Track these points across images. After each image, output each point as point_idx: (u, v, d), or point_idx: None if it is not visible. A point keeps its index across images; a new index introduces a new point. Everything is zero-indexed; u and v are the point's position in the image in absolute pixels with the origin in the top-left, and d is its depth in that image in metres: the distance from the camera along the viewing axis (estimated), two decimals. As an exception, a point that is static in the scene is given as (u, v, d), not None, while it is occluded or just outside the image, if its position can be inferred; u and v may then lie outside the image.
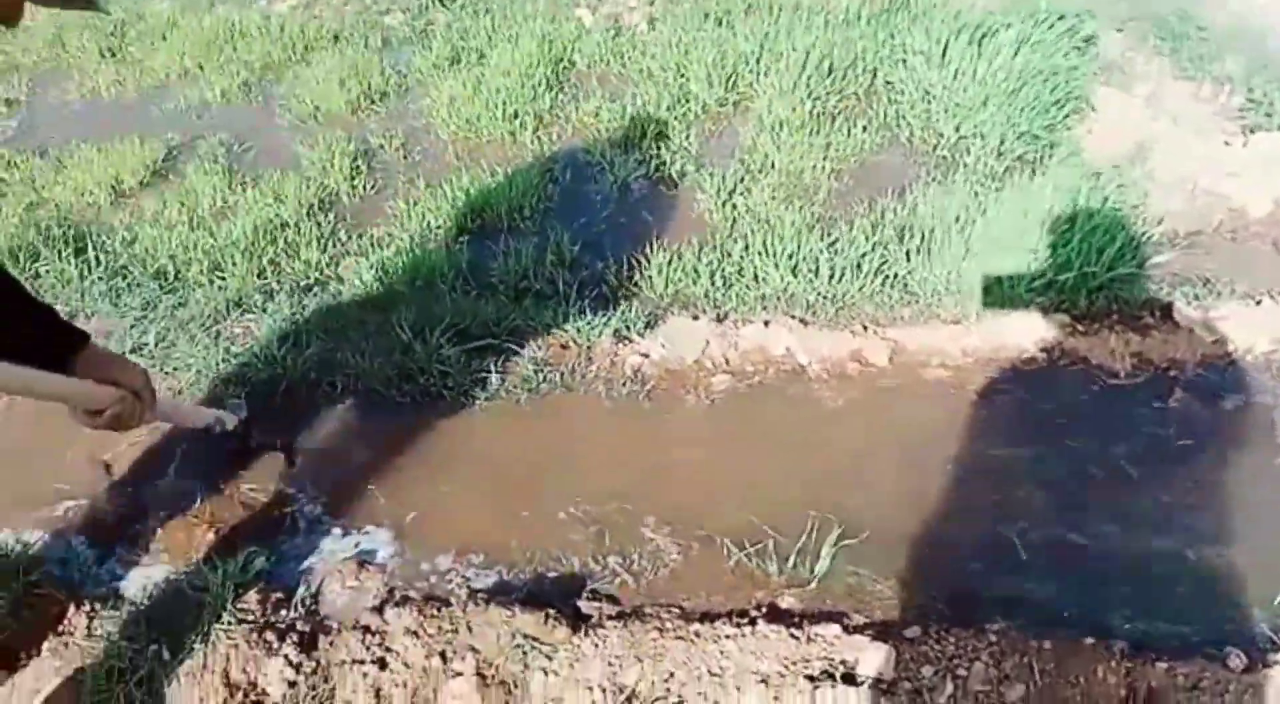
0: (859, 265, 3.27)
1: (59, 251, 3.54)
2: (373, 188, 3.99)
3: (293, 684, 2.09)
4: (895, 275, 3.23)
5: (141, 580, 2.40)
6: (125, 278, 3.43)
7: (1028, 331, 2.94)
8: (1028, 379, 2.83)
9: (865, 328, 3.03)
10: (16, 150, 4.25)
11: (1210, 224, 3.44)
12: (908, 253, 3.31)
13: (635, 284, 3.38)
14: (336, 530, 2.55)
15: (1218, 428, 2.64)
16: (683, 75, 4.46)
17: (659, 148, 4.06)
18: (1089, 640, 2.06)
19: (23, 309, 1.77)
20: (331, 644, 2.16)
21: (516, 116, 4.27)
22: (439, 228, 3.68)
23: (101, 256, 3.53)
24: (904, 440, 2.66)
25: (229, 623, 2.18)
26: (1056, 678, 1.98)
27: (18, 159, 4.17)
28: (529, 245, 3.55)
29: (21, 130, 4.45)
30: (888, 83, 4.30)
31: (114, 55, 4.93)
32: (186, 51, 4.87)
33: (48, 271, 3.47)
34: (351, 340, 3.10)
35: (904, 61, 4.34)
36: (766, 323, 3.02)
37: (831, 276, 3.23)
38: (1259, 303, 3.01)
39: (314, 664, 2.13)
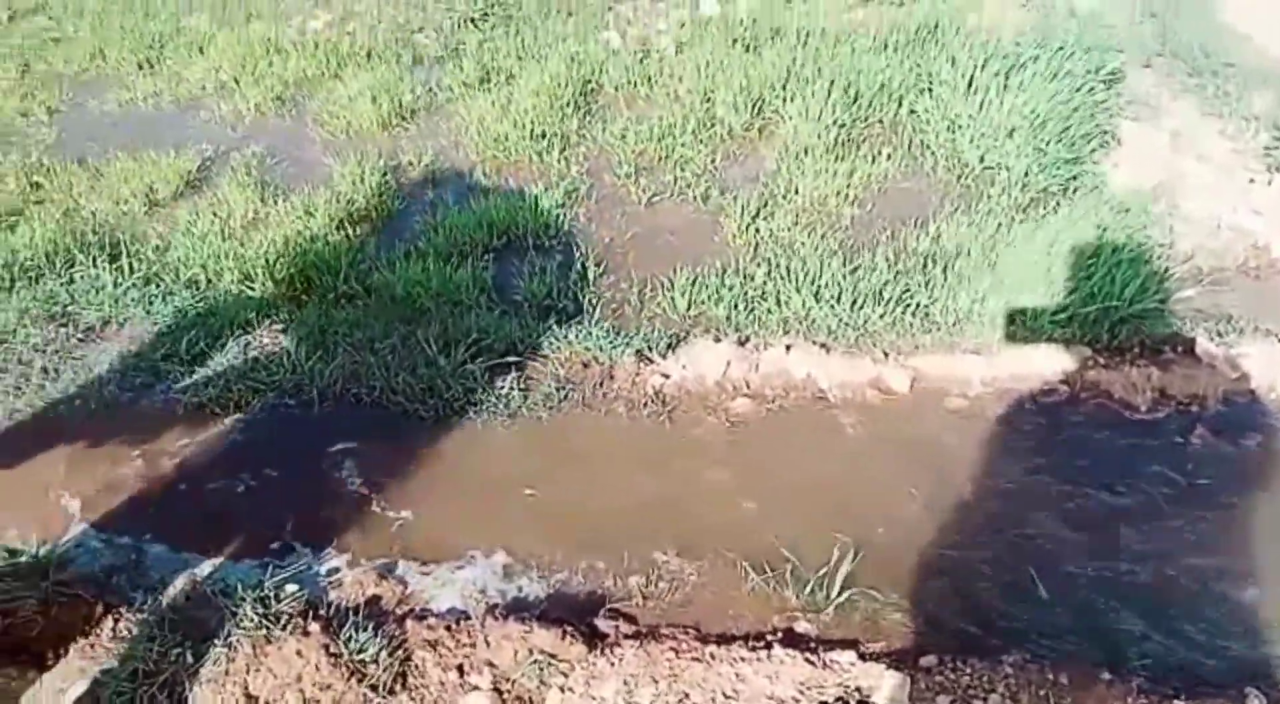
0: (881, 293, 3.28)
1: (94, 258, 3.61)
2: (401, 203, 4.04)
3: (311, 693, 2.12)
4: (917, 304, 3.25)
5: (167, 584, 2.44)
6: (158, 286, 3.49)
7: (1049, 363, 2.95)
8: (1048, 411, 2.84)
9: (886, 355, 3.04)
10: (56, 158, 4.34)
11: (1234, 261, 3.44)
12: (930, 282, 3.33)
13: (658, 304, 3.41)
14: (356, 541, 2.58)
15: (1239, 465, 2.64)
16: (709, 99, 4.51)
17: (684, 170, 4.11)
18: (1105, 675, 2.06)
19: None
20: (353, 654, 2.18)
21: (544, 137, 4.33)
22: (466, 244, 3.73)
23: (135, 264, 3.59)
24: (923, 468, 2.67)
25: (250, 630, 2.21)
26: (1072, 712, 1.98)
27: (56, 167, 4.25)
28: (553, 263, 3.60)
29: (61, 139, 4.54)
30: (913, 112, 4.34)
31: (152, 67, 5.03)
32: (223, 65, 4.97)
33: (82, 277, 3.54)
34: (378, 353, 3.14)
35: (930, 91, 4.37)
36: (788, 347, 3.04)
37: (853, 303, 3.25)
38: (1282, 341, 3.01)
39: (335, 671, 2.15)
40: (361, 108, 4.59)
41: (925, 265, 3.42)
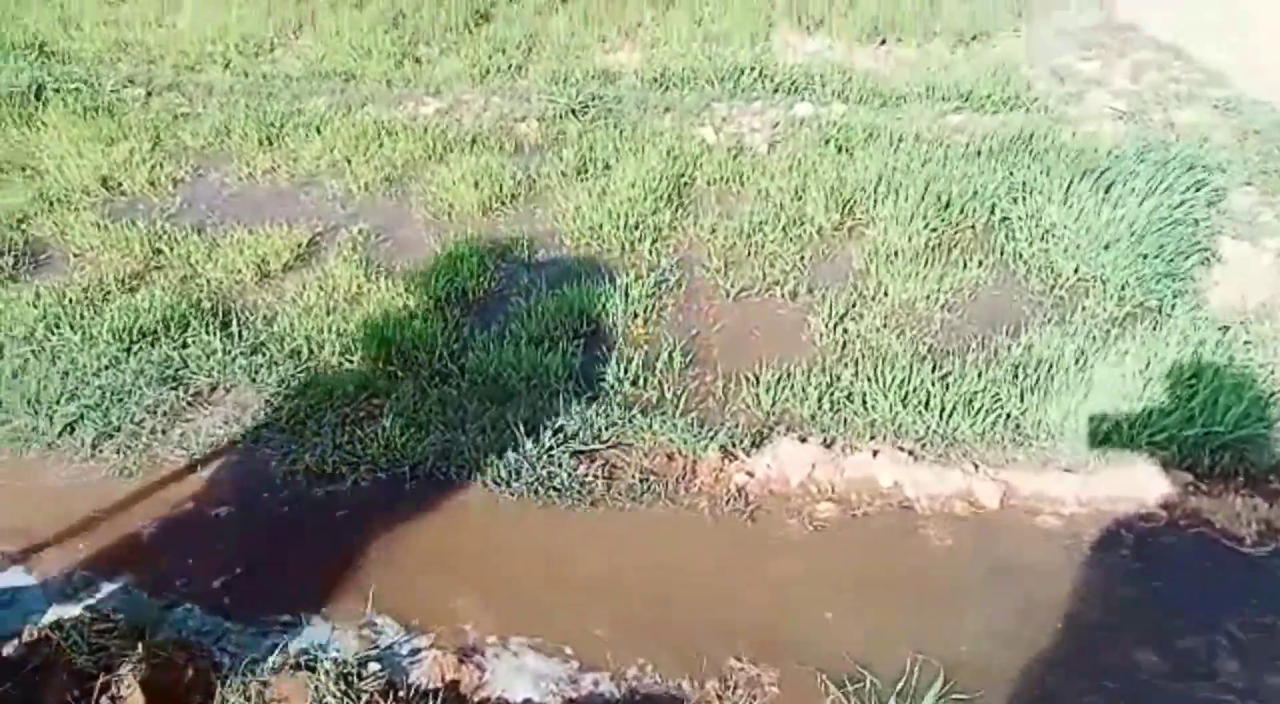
0: (971, 402, 3.25)
1: (207, 324, 3.80)
2: (497, 285, 4.18)
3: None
4: (1008, 415, 3.21)
5: (252, 651, 2.50)
6: (264, 354, 3.65)
7: (1147, 487, 2.87)
8: (1146, 537, 2.75)
9: (976, 467, 3.00)
10: (178, 226, 4.61)
11: (1345, 389, 3.32)
12: (1022, 393, 3.29)
13: (742, 400, 3.44)
14: (434, 620, 2.61)
15: (1354, 610, 2.50)
16: (799, 198, 4.59)
17: (772, 266, 4.16)
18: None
19: None
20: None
21: (637, 227, 4.45)
22: (557, 329, 3.82)
23: (244, 332, 3.77)
24: (1013, 588, 2.60)
25: (333, 706, 2.25)
26: None
27: (178, 235, 4.52)
28: (640, 353, 3.66)
29: (183, 208, 4.83)
30: (1005, 219, 4.34)
31: (271, 144, 5.35)
32: (337, 145, 5.26)
33: (194, 342, 3.72)
34: (468, 433, 3.22)
35: (1024, 199, 4.38)
36: (875, 453, 3.03)
37: (942, 411, 3.22)
38: (1400, 478, 2.87)
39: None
40: (463, 191, 4.79)
41: (1017, 375, 3.38)
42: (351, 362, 3.64)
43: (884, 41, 6.41)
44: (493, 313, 4.00)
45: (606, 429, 3.22)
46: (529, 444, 3.14)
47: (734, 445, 3.12)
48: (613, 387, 3.51)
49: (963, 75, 5.72)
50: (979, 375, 3.37)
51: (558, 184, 4.91)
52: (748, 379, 3.50)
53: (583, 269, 4.25)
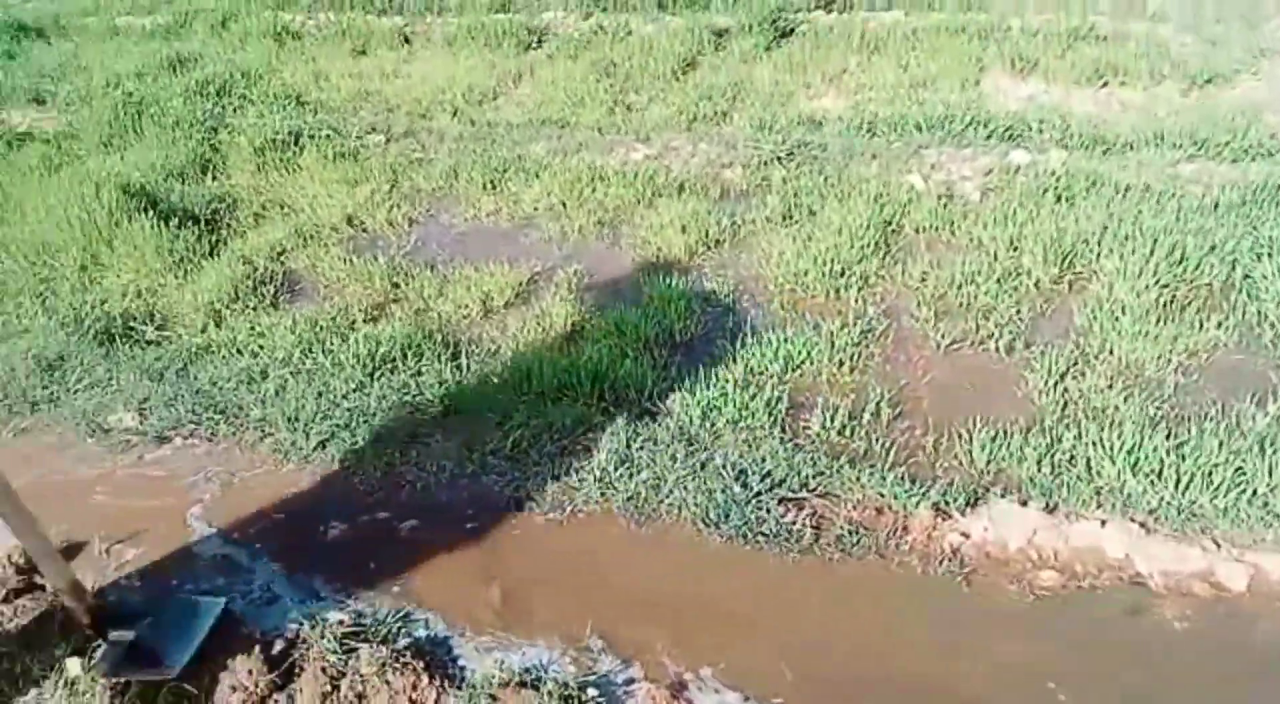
0: (1211, 474, 3.04)
1: (439, 354, 4.12)
2: (702, 329, 4.29)
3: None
4: (1255, 491, 2.98)
5: (486, 667, 2.68)
6: (489, 385, 3.92)
7: None
8: None
9: (1218, 545, 2.80)
10: (412, 262, 5.03)
11: None
12: (1270, 467, 3.04)
13: (954, 456, 3.37)
14: (642, 651, 2.70)
15: None
16: (1015, 249, 4.46)
17: (986, 319, 4.06)
18: None
19: None
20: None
21: (843, 274, 4.46)
22: (762, 374, 3.89)
23: (471, 363, 4.06)
24: (1264, 685, 2.40)
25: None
26: None
27: (412, 270, 4.93)
28: (846, 401, 3.66)
29: (417, 246, 5.27)
30: (1247, 277, 4.05)
31: (495, 188, 5.74)
32: (554, 190, 5.57)
33: (428, 370, 4.04)
34: (675, 472, 3.33)
35: (1269, 255, 4.07)
36: (1103, 522, 2.89)
37: (1178, 483, 3.03)
38: None
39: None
40: (671, 235, 4.96)
41: (1264, 448, 3.14)
42: (569, 397, 3.84)
43: (1105, 84, 6.12)
44: (699, 355, 4.11)
45: (813, 478, 3.24)
46: (736, 487, 3.21)
47: (947, 503, 3.06)
48: (818, 435, 3.53)
49: (1196, 121, 5.38)
50: (1220, 446, 3.15)
51: (763, 230, 5.00)
52: (960, 435, 3.42)
53: (787, 315, 4.31)
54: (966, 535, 2.93)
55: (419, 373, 4.04)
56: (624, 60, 7.46)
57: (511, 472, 3.44)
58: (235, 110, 7.04)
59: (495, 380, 3.97)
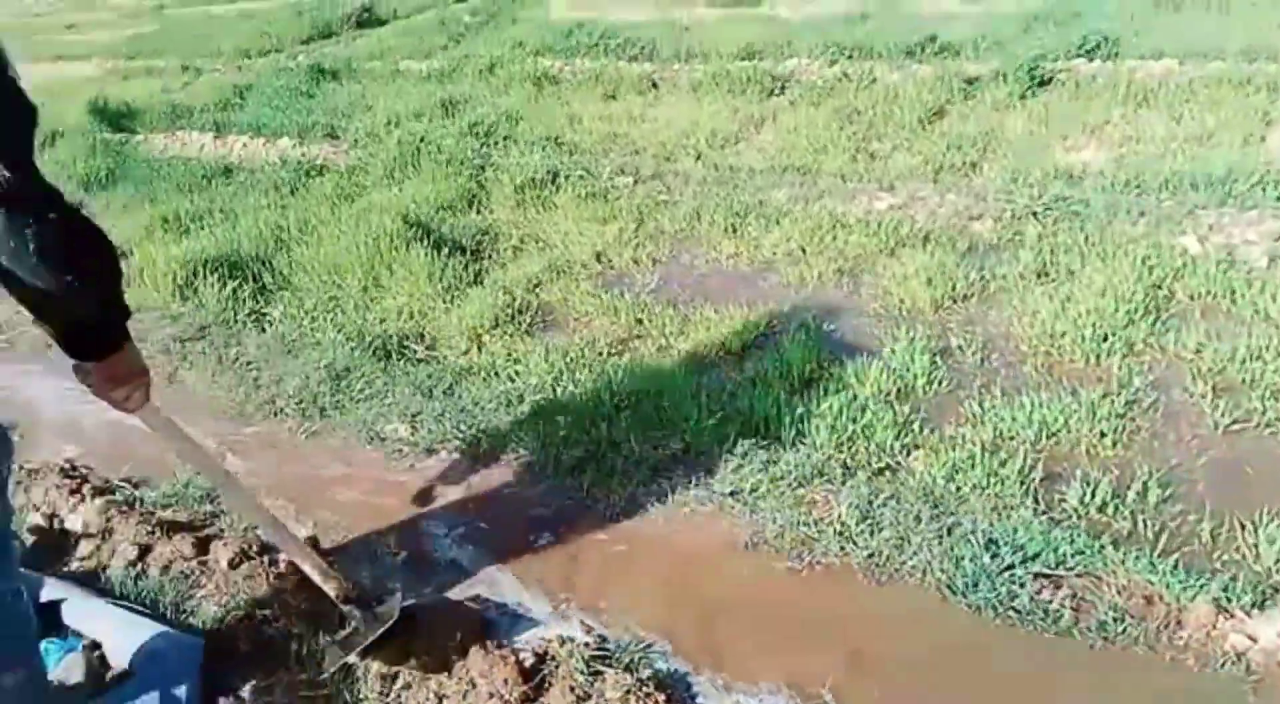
0: None
1: (679, 391, 4.26)
2: (947, 386, 4.18)
3: None
4: None
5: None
6: (727, 425, 4.00)
7: None
8: None
9: None
10: (655, 301, 5.23)
11: None
12: None
13: (1236, 549, 3.09)
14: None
15: None
16: (1312, 323, 4.04)
17: (1275, 400, 3.70)
18: None
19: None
20: None
21: (1105, 339, 4.21)
22: (1012, 439, 3.73)
23: (712, 404, 4.16)
24: None
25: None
26: None
27: (655, 308, 5.12)
28: (1109, 477, 3.44)
29: (660, 285, 5.48)
30: None
31: (735, 232, 5.87)
32: (794, 236, 5.63)
33: (669, 406, 4.18)
34: (920, 533, 3.26)
35: None
36: None
37: None
38: None
39: None
40: (915, 287, 4.87)
41: None
42: (804, 443, 3.86)
43: None
44: (942, 414, 4.01)
45: (1072, 556, 3.07)
46: (986, 557, 3.10)
47: (1229, 601, 2.80)
48: (1076, 510, 3.34)
49: None
50: None
51: (1014, 287, 4.81)
52: (1243, 525, 3.13)
53: (1040, 379, 4.12)
54: (1254, 639, 2.67)
55: (660, 409, 4.19)
56: (868, 107, 7.46)
57: (749, 514, 3.49)
58: (499, 149, 7.64)
59: (733, 423, 4.04)
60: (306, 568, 3.01)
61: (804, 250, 5.52)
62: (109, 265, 2.02)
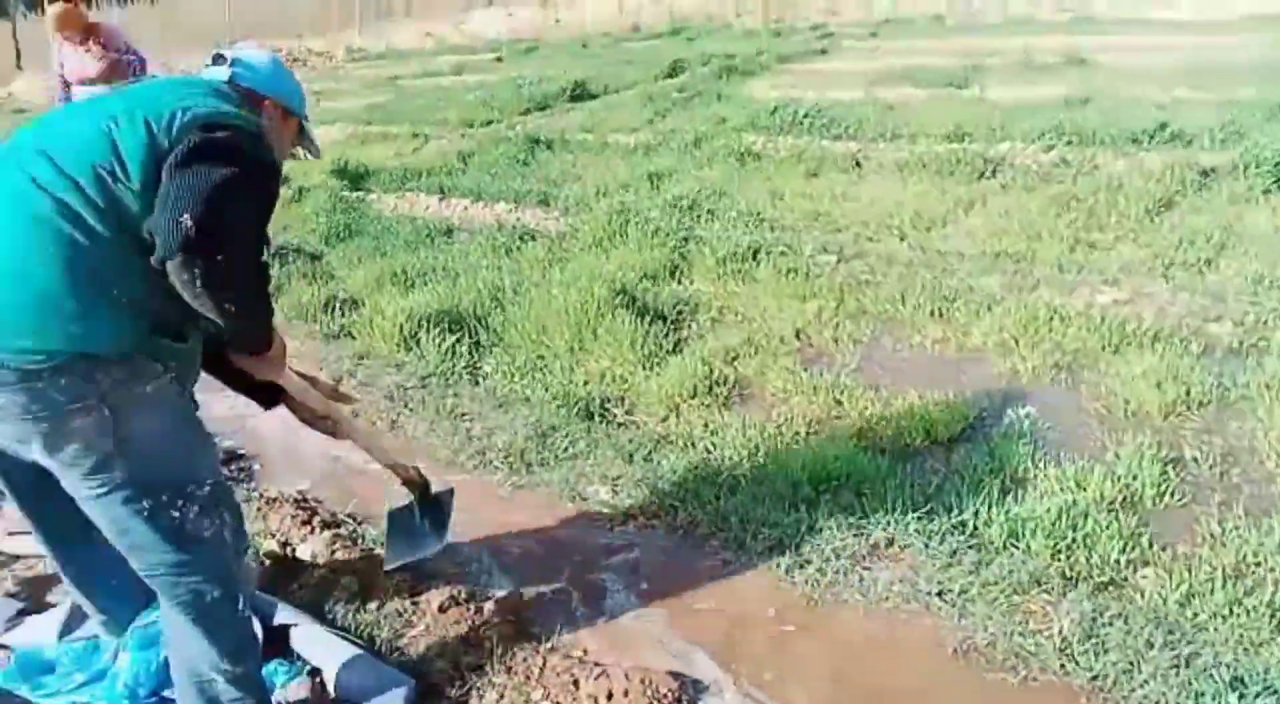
0: None
1: (884, 479, 4.15)
2: (1180, 499, 3.88)
3: None
4: None
5: None
6: (935, 522, 3.85)
7: None
8: None
9: None
10: (855, 382, 5.16)
11: None
12: None
13: None
14: None
15: None
16: None
17: None
18: None
19: None
20: None
21: (1372, 464, 3.79)
22: (1259, 565, 3.41)
23: (916, 497, 4.03)
24: None
25: None
26: None
27: (855, 389, 5.05)
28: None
29: (861, 365, 5.41)
30: None
31: (942, 317, 5.73)
32: (1005, 325, 5.43)
33: (870, 493, 4.09)
34: (1155, 663, 3.00)
35: None
36: None
37: None
38: None
39: None
40: (1143, 390, 4.58)
41: None
42: (1018, 548, 3.67)
43: None
44: (1175, 530, 3.72)
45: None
46: (1233, 697, 2.82)
47: None
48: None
49: None
50: None
51: (1259, 396, 4.43)
52: None
53: (1294, 499, 3.75)
54: None
55: (861, 495, 4.11)
56: (1089, 195, 7.16)
57: (957, 618, 3.34)
58: (701, 222, 7.85)
59: (939, 518, 3.90)
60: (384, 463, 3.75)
61: (1017, 341, 5.31)
62: (258, 304, 2.43)
